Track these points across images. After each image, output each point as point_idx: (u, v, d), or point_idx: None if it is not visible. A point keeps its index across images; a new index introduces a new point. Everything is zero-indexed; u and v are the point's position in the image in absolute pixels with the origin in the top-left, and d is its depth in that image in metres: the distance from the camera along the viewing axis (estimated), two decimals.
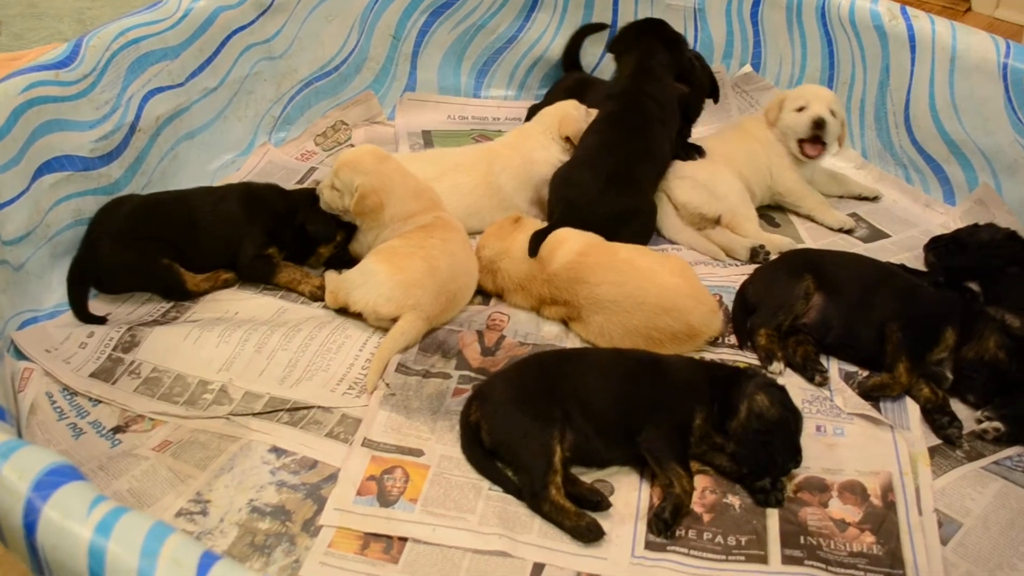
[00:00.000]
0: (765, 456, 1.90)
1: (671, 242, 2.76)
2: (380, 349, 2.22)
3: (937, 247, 2.63)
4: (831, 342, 2.31)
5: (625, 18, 3.38)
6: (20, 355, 2.24)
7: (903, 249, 2.76)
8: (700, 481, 1.95)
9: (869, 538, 1.84)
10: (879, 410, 2.15)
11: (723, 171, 2.82)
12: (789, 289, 2.35)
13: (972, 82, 2.79)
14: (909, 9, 2.95)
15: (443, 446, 2.02)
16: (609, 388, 2.00)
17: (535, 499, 1.85)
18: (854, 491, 1.94)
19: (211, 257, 2.52)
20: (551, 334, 2.38)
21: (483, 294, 2.52)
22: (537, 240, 2.41)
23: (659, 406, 1.97)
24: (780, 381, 2.06)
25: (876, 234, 2.86)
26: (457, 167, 2.78)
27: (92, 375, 2.21)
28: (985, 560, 1.81)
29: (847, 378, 2.26)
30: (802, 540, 1.83)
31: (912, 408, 2.16)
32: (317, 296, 2.47)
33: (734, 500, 1.92)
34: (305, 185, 2.95)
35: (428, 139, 3.29)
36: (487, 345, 2.32)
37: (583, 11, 3.45)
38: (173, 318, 2.42)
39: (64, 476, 1.34)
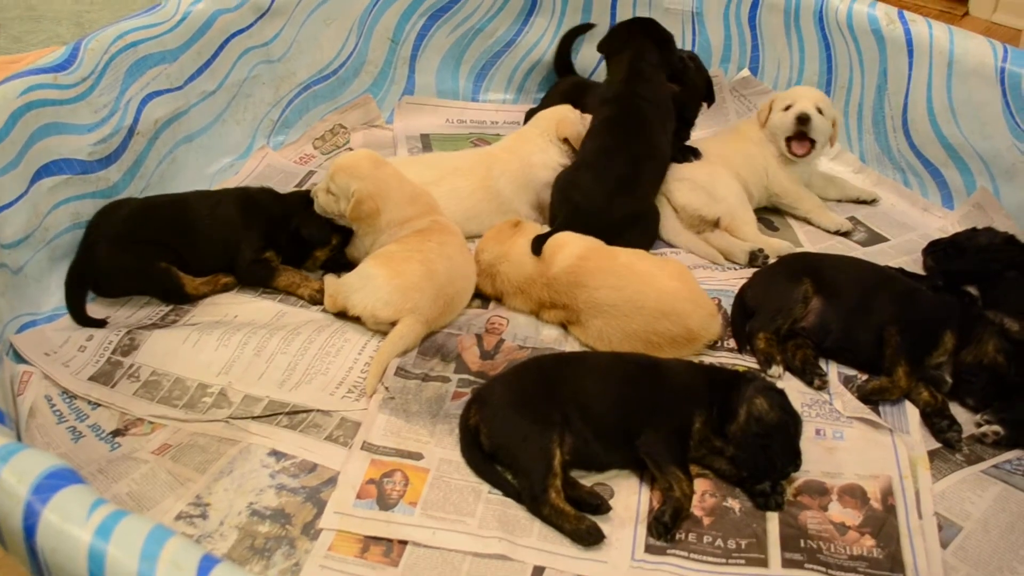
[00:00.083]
0: (764, 460, 1.90)
1: (670, 245, 2.76)
2: (379, 353, 2.22)
3: (935, 251, 2.63)
4: (830, 346, 2.31)
5: None
6: (19, 358, 2.24)
7: (901, 253, 2.77)
8: (700, 484, 1.95)
9: (869, 541, 1.84)
10: (878, 414, 2.15)
11: (721, 173, 2.82)
12: (788, 293, 2.35)
13: (970, 86, 2.80)
14: (906, 13, 2.95)
15: (442, 449, 2.02)
16: (608, 392, 2.00)
17: (535, 502, 1.85)
18: (854, 494, 1.94)
19: (209, 261, 2.52)
20: (550, 338, 2.38)
21: (482, 298, 2.52)
22: (540, 240, 2.41)
23: (658, 410, 1.97)
24: (779, 385, 2.06)
25: (874, 238, 2.87)
26: (456, 171, 2.78)
27: (91, 378, 2.21)
28: (985, 564, 1.81)
29: (846, 382, 2.26)
30: (802, 543, 1.83)
31: (911, 412, 2.16)
32: (316, 300, 2.47)
33: (734, 503, 1.92)
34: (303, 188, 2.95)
35: (426, 143, 3.29)
36: (486, 349, 2.32)
37: (581, 15, 3.45)
38: (172, 321, 2.42)
39: (64, 479, 1.34)
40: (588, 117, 2.81)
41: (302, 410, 2.12)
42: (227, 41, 2.91)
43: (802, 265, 2.45)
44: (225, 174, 3.02)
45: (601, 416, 1.95)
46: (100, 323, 2.39)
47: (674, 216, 2.79)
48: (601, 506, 1.87)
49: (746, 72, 3.37)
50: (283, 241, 2.55)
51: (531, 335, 2.38)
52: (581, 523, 1.81)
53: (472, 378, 2.22)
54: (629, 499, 1.93)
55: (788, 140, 2.87)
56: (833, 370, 2.30)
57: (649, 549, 1.82)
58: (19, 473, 1.34)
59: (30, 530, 1.29)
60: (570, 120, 2.82)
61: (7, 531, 1.34)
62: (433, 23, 3.42)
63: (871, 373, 2.27)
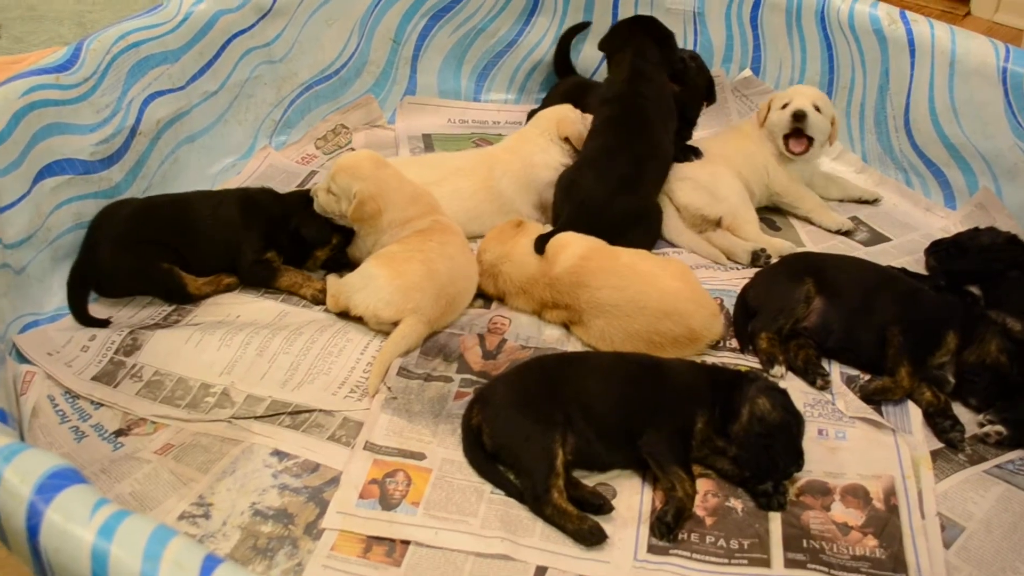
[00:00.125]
0: (767, 459, 1.89)
1: (672, 245, 2.76)
2: (381, 353, 2.22)
3: (938, 251, 2.63)
4: (832, 346, 2.31)
5: None
6: (22, 358, 2.24)
7: (904, 253, 2.77)
8: (702, 484, 1.94)
9: (872, 542, 1.84)
10: (881, 414, 2.14)
11: (723, 172, 2.83)
12: (790, 293, 2.35)
13: (972, 86, 2.80)
14: (908, 13, 2.95)
15: (445, 449, 2.02)
16: (610, 392, 2.00)
17: (537, 502, 1.85)
18: (856, 495, 1.94)
19: (211, 261, 2.52)
20: (552, 338, 2.38)
21: (484, 298, 2.52)
22: (543, 240, 2.42)
23: (660, 410, 1.96)
24: (781, 385, 2.06)
25: (877, 238, 2.87)
26: (458, 171, 2.78)
27: (94, 378, 2.21)
28: (988, 564, 1.81)
29: (849, 382, 2.26)
30: (804, 543, 1.83)
31: (914, 412, 2.16)
32: (319, 300, 2.47)
33: (736, 503, 1.92)
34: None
35: (428, 143, 3.29)
36: (488, 349, 2.32)
37: (583, 15, 3.45)
38: (175, 321, 2.42)
39: (66, 479, 1.34)
40: (589, 117, 2.81)
41: (304, 410, 2.12)
42: (229, 41, 2.91)
43: (804, 265, 2.45)
44: (227, 174, 3.03)
45: (603, 416, 1.95)
46: (103, 323, 2.39)
47: (676, 216, 2.79)
48: (603, 506, 1.87)
49: (748, 72, 3.37)
50: (284, 241, 2.55)
51: (533, 335, 2.38)
52: (583, 523, 1.81)
53: (474, 378, 2.22)
54: (631, 499, 1.93)
55: (786, 138, 2.87)
56: (835, 370, 2.30)
57: (651, 549, 1.82)
58: (22, 473, 1.34)
59: (33, 530, 1.29)
60: (571, 119, 2.82)
61: (10, 531, 1.34)
62: (435, 23, 3.42)
63: (873, 373, 2.27)
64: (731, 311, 2.44)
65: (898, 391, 2.17)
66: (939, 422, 2.11)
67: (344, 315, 2.39)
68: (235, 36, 2.93)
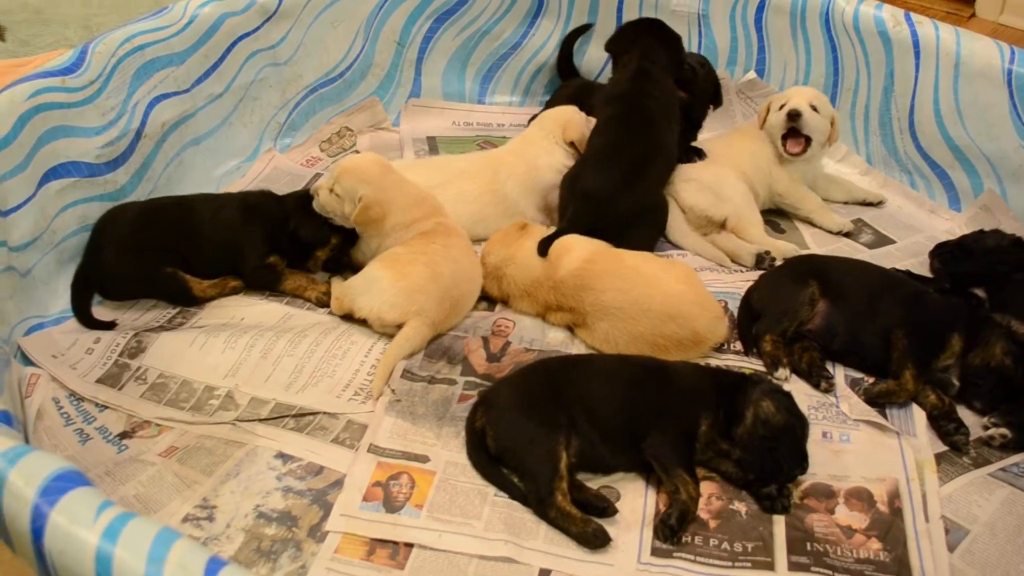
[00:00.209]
0: (771, 462, 1.89)
1: (676, 247, 2.76)
2: (385, 355, 2.22)
3: (942, 253, 2.62)
4: (836, 348, 2.31)
5: None
6: (27, 361, 2.24)
7: (908, 255, 2.76)
8: (706, 487, 1.94)
9: (876, 544, 1.83)
10: (885, 416, 2.14)
11: (728, 173, 2.82)
12: (794, 295, 2.34)
13: (976, 88, 2.79)
14: (913, 15, 2.95)
15: (449, 452, 2.02)
16: (615, 394, 2.00)
17: (541, 505, 1.85)
18: (860, 497, 1.93)
19: (214, 264, 2.52)
20: (556, 340, 2.38)
21: (488, 300, 2.52)
22: (547, 242, 2.42)
23: (665, 412, 1.96)
24: (786, 387, 2.06)
25: (881, 240, 2.86)
26: (462, 174, 2.78)
27: (99, 381, 2.22)
28: (992, 567, 1.80)
29: (853, 384, 2.25)
30: (809, 546, 1.83)
31: (918, 415, 2.15)
32: (323, 302, 2.47)
33: (740, 506, 1.92)
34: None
35: (433, 145, 3.30)
36: (492, 351, 2.32)
37: (587, 17, 3.45)
38: (179, 324, 2.42)
39: (71, 482, 1.34)
40: (593, 120, 2.81)
41: (309, 412, 2.12)
42: (234, 44, 2.92)
43: (808, 267, 2.44)
44: (232, 176, 3.03)
45: (607, 419, 1.95)
46: (107, 325, 2.40)
47: (681, 218, 2.79)
48: (607, 509, 1.87)
49: (752, 74, 3.37)
50: (284, 243, 2.55)
51: (537, 337, 2.38)
52: (587, 526, 1.81)
53: (478, 380, 2.22)
54: (635, 502, 1.93)
55: (784, 139, 2.86)
56: (840, 373, 2.29)
57: (655, 552, 1.82)
58: (27, 475, 1.34)
59: (38, 532, 1.29)
60: (576, 122, 2.82)
61: (15, 533, 1.34)
62: (439, 25, 3.43)
63: (878, 376, 2.26)
64: (735, 314, 2.44)
65: (902, 394, 2.17)
66: (943, 425, 2.10)
67: (348, 318, 2.39)
68: (240, 39, 2.93)
